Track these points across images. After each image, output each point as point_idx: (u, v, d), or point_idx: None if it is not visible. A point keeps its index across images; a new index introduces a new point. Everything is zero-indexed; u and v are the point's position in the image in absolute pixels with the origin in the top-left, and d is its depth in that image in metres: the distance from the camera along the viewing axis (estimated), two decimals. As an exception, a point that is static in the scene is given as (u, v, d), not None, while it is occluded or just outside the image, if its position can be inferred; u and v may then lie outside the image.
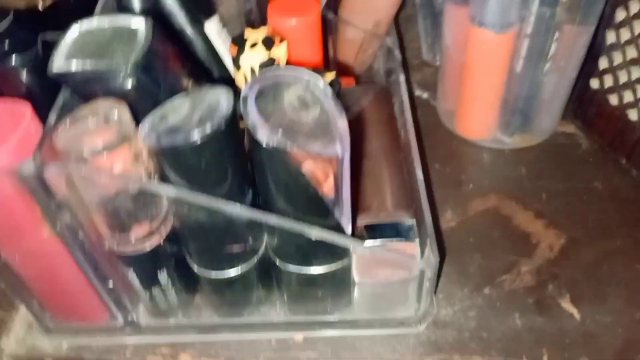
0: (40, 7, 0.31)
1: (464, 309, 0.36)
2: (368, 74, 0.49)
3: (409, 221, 0.34)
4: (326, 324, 0.35)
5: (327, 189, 0.28)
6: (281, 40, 0.33)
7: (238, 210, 0.27)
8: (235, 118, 0.25)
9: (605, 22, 0.39)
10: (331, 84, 0.28)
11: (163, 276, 0.32)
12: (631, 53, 0.38)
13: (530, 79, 0.40)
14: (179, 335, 0.35)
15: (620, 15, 0.38)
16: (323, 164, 0.28)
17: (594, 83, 0.42)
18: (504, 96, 0.41)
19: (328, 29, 0.45)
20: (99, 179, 0.26)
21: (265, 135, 0.24)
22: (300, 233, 0.28)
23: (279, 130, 0.24)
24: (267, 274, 0.33)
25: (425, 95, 0.50)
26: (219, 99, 0.26)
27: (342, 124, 0.25)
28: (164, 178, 0.27)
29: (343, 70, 0.48)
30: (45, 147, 0.26)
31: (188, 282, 0.33)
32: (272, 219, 0.28)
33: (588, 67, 0.42)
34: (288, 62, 0.34)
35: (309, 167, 0.27)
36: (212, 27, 0.38)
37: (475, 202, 0.41)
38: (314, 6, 0.34)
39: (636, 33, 0.37)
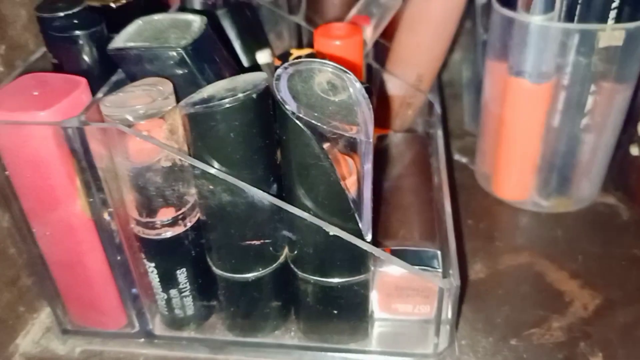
0: (113, 5, 0.34)
1: (488, 357, 0.33)
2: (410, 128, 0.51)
3: (434, 251, 0.33)
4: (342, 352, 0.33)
5: (349, 184, 0.28)
6: (323, 58, 0.35)
7: (260, 195, 0.27)
8: (267, 95, 0.26)
9: (643, 85, 0.40)
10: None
11: (182, 276, 0.32)
12: (671, 116, 0.38)
13: (568, 134, 0.40)
14: (192, 352, 0.34)
15: (658, 78, 0.38)
16: (343, 160, 0.28)
17: (634, 150, 0.42)
18: (542, 153, 0.41)
19: (372, 79, 0.48)
20: (135, 145, 0.27)
21: (292, 108, 0.25)
22: (319, 232, 0.28)
23: (305, 105, 0.25)
24: (284, 286, 0.32)
25: (464, 159, 0.50)
26: (255, 78, 0.27)
27: (367, 111, 0.25)
28: (195, 156, 0.28)
29: (385, 123, 0.49)
30: (91, 110, 0.27)
31: (206, 288, 0.33)
32: (292, 209, 0.27)
33: (628, 133, 0.42)
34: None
35: (333, 154, 0.28)
36: (263, 57, 0.41)
37: (506, 257, 0.40)
38: (356, 32, 0.36)
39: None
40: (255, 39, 0.41)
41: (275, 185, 0.29)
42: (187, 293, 0.32)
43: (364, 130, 0.27)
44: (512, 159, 0.43)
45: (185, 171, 0.28)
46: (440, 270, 0.32)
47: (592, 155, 0.41)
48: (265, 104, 0.27)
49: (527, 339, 0.34)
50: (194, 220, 0.30)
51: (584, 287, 0.37)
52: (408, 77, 0.45)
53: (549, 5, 0.36)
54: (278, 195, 0.29)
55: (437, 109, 0.45)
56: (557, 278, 0.38)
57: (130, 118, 0.27)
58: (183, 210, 0.30)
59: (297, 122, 0.26)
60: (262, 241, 0.29)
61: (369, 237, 0.30)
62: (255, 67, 0.40)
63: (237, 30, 0.41)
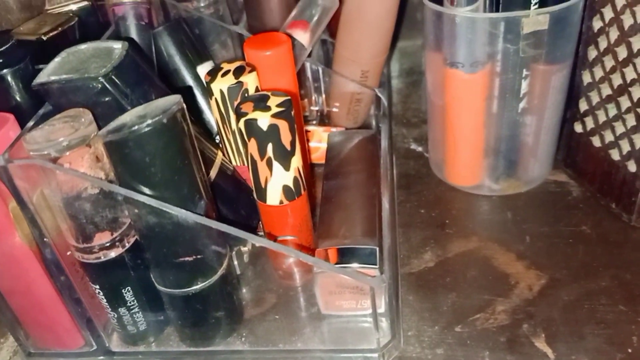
0: (44, 37, 0.35)
1: (433, 346, 0.34)
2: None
3: (372, 247, 0.34)
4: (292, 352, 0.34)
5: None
6: (251, 70, 0.36)
7: (184, 214, 0.28)
8: (180, 117, 0.27)
9: (580, 62, 0.40)
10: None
11: (128, 294, 0.33)
12: (606, 91, 0.38)
13: (507, 119, 0.40)
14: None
15: (592, 53, 0.39)
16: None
17: (578, 127, 0.42)
18: (486, 138, 0.42)
19: (318, 80, 0.48)
20: (61, 177, 0.28)
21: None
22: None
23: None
24: (228, 296, 0.33)
25: (420, 148, 0.51)
26: (168, 102, 0.28)
27: None
28: (120, 181, 0.29)
29: (336, 120, 0.50)
30: (17, 147, 0.28)
31: (154, 303, 0.34)
32: (220, 226, 0.28)
33: (572, 111, 0.42)
34: (258, 89, 0.36)
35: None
36: (203, 70, 0.42)
37: (456, 243, 0.41)
38: (284, 41, 0.37)
39: (608, 69, 0.37)
40: (196, 53, 0.42)
41: (202, 202, 0.30)
42: (136, 310, 0.33)
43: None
44: (459, 146, 0.43)
45: (113, 196, 0.29)
46: (377, 266, 0.33)
47: (536, 136, 0.42)
48: (178, 126, 0.28)
49: (471, 325, 0.35)
50: (132, 240, 0.32)
51: (529, 268, 0.38)
52: (353, 74, 0.46)
53: (473, -3, 0.36)
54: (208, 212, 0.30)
55: (384, 102, 0.45)
56: (504, 261, 0.39)
57: (53, 152, 0.28)
58: (119, 232, 0.31)
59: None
60: (194, 257, 0.30)
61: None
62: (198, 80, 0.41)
63: (176, 47, 0.41)
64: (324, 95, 0.49)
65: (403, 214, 0.44)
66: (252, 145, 0.32)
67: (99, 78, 0.29)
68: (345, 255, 0.34)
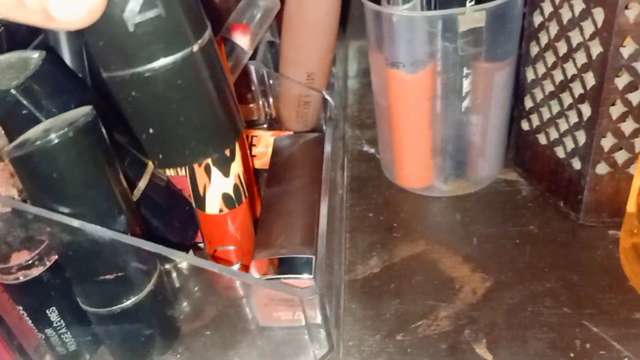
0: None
1: (373, 356, 0.33)
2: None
3: (307, 257, 0.33)
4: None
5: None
6: None
7: (95, 230, 0.27)
8: (91, 128, 0.26)
9: (523, 59, 0.39)
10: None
11: (54, 314, 0.32)
12: (548, 87, 0.38)
13: (451, 119, 0.39)
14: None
15: (534, 49, 0.38)
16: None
17: (525, 124, 0.41)
18: (432, 139, 0.41)
19: (267, 85, 0.47)
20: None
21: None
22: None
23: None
24: (158, 313, 0.32)
25: (372, 150, 0.50)
26: (79, 114, 0.26)
27: None
28: (30, 198, 0.27)
29: (285, 124, 0.49)
30: None
31: (81, 323, 0.33)
32: (136, 241, 0.27)
33: (518, 108, 0.42)
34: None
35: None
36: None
37: (403, 248, 0.40)
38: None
39: (549, 65, 0.37)
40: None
41: (122, 217, 0.29)
42: (63, 330, 0.32)
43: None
44: (406, 147, 0.42)
45: (24, 215, 0.28)
46: (312, 276, 0.32)
47: (483, 136, 0.41)
48: (88, 138, 0.26)
49: (413, 332, 0.34)
50: (53, 259, 0.30)
51: (475, 271, 0.37)
52: (299, 77, 0.45)
53: (408, -6, 0.35)
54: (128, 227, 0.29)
55: (331, 102, 0.44)
56: (451, 264, 0.38)
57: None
58: (38, 251, 0.30)
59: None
60: (115, 274, 0.29)
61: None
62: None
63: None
64: (271, 99, 0.48)
65: (352, 218, 0.43)
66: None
67: (11, 90, 0.28)
68: (281, 266, 0.33)
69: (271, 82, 0.46)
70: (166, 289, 0.34)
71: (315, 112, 0.49)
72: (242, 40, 0.41)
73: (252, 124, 0.50)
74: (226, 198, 0.33)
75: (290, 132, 0.48)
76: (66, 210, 0.27)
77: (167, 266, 0.34)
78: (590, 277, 0.36)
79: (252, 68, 0.45)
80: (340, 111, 0.51)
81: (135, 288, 0.30)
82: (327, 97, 0.45)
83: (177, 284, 0.37)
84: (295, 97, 0.47)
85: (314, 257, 0.33)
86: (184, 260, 0.29)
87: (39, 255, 0.30)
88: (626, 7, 0.30)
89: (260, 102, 0.48)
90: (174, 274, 0.36)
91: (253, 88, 0.47)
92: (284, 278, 0.32)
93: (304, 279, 0.32)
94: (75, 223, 0.27)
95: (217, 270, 0.28)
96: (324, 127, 0.50)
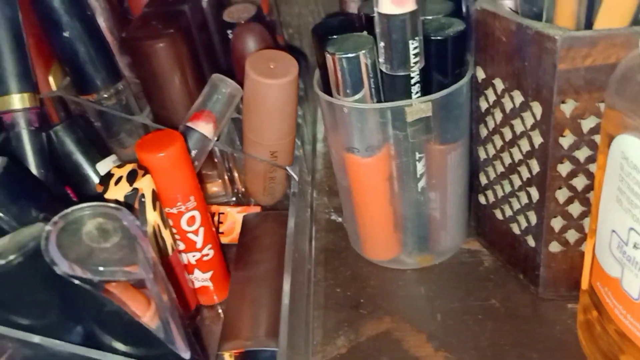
0: None
1: None
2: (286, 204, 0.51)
3: (272, 350, 0.34)
4: None
5: (148, 318, 0.29)
6: (145, 173, 0.36)
7: (51, 344, 0.27)
8: (37, 252, 0.27)
9: (475, 138, 0.40)
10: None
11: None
12: (499, 168, 0.39)
13: (409, 198, 0.40)
14: None
15: (483, 131, 0.39)
16: (136, 294, 0.28)
17: (482, 199, 0.42)
18: (393, 216, 0.42)
19: (232, 162, 0.48)
20: None
21: (64, 268, 0.26)
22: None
23: (77, 262, 0.26)
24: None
25: (340, 219, 0.51)
26: (30, 236, 0.27)
27: (144, 247, 0.26)
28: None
29: (254, 200, 0.50)
30: None
31: None
32: (88, 352, 0.28)
33: (475, 183, 0.43)
34: (156, 191, 0.36)
35: (123, 297, 0.28)
36: (103, 166, 0.41)
37: (369, 325, 0.41)
38: (176, 139, 0.36)
39: (498, 147, 0.38)
40: (95, 149, 0.42)
41: (79, 327, 0.29)
42: None
43: (143, 265, 0.27)
44: (369, 224, 0.43)
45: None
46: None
47: (442, 211, 0.42)
48: (38, 260, 0.27)
49: (376, 420, 0.35)
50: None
51: (439, 350, 0.38)
52: (263, 155, 0.46)
53: (358, 87, 0.37)
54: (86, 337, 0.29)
55: (295, 178, 0.45)
56: (415, 343, 0.39)
57: None
58: (4, 357, 0.30)
59: (72, 279, 0.26)
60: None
61: (187, 355, 0.30)
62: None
63: (73, 144, 0.41)
64: (236, 175, 0.49)
65: (319, 294, 0.44)
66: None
67: None
68: (246, 358, 0.34)
69: (235, 159, 0.47)
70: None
71: (282, 186, 0.50)
72: (206, 128, 0.42)
73: (219, 201, 0.51)
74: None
75: (258, 208, 0.49)
76: (22, 324, 0.28)
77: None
78: (549, 354, 0.36)
79: (215, 149, 0.46)
80: (307, 180, 0.52)
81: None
82: (291, 173, 0.46)
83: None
84: (261, 173, 0.48)
85: (277, 350, 0.34)
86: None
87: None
88: (562, 102, 0.31)
89: (226, 179, 0.49)
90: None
91: (218, 166, 0.48)
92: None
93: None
94: (36, 339, 0.28)
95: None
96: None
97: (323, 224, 0.51)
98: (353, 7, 0.49)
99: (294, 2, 0.61)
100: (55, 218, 0.27)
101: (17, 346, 0.28)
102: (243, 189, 0.50)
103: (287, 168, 0.47)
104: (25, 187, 0.32)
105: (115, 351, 0.29)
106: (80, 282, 0.26)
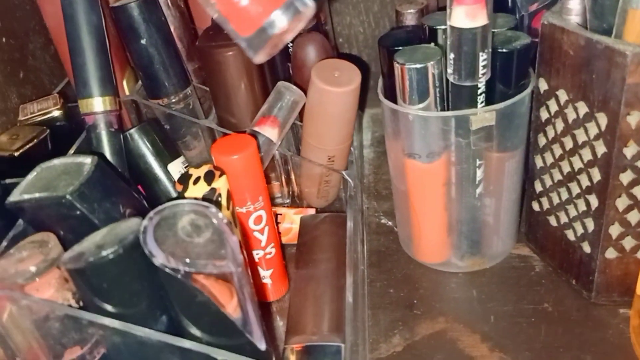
0: (16, 154, 0.37)
1: None
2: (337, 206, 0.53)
3: (337, 345, 0.36)
4: None
5: (231, 309, 0.30)
6: (221, 174, 0.37)
7: (142, 332, 0.29)
8: (135, 247, 0.29)
9: (532, 147, 0.42)
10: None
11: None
12: (557, 176, 0.40)
13: (466, 203, 0.42)
14: None
15: (541, 140, 0.40)
16: (221, 286, 0.30)
17: (535, 205, 0.44)
18: (448, 220, 0.43)
19: (290, 165, 0.50)
20: (30, 304, 0.29)
21: (160, 259, 0.27)
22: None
23: (173, 255, 0.28)
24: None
25: (390, 222, 0.53)
26: (127, 229, 0.29)
27: (232, 240, 0.28)
28: (83, 302, 0.30)
29: (308, 202, 0.52)
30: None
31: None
32: (177, 341, 0.30)
33: (529, 190, 0.44)
34: (230, 192, 0.38)
35: (210, 288, 0.30)
36: (174, 167, 0.44)
37: (424, 325, 0.42)
38: (250, 143, 0.38)
39: (557, 156, 0.39)
40: (167, 151, 0.44)
41: (164, 317, 0.31)
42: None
43: (231, 259, 0.29)
44: (423, 227, 0.45)
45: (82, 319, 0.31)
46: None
47: (496, 216, 0.43)
48: (136, 252, 0.29)
49: (437, 415, 0.36)
50: (102, 351, 0.33)
51: (493, 350, 0.39)
52: (320, 159, 0.48)
53: (424, 96, 0.38)
54: (169, 326, 0.31)
55: (351, 184, 0.47)
56: (470, 343, 0.40)
57: (21, 281, 0.29)
58: (89, 345, 0.32)
59: (167, 270, 0.28)
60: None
61: (263, 346, 0.32)
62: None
63: (147, 147, 0.43)
64: (293, 178, 0.51)
65: (373, 295, 0.45)
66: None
67: (67, 196, 0.31)
68: (311, 353, 0.36)
69: (293, 162, 0.49)
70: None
71: (335, 189, 0.52)
72: (271, 132, 0.44)
73: (275, 202, 0.52)
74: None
75: (312, 210, 0.50)
76: (115, 312, 0.30)
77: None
78: (603, 357, 0.38)
79: (276, 152, 0.48)
80: (357, 185, 0.54)
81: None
82: (347, 177, 0.48)
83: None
84: (317, 176, 0.50)
85: (342, 345, 0.35)
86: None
87: (90, 350, 0.32)
88: (628, 114, 0.33)
89: (284, 181, 0.51)
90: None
91: (277, 168, 0.50)
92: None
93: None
94: (123, 326, 0.30)
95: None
96: (344, 201, 0.53)
97: (373, 227, 0.52)
98: (410, 19, 0.51)
99: (346, 13, 0.63)
100: (151, 214, 0.29)
101: (107, 332, 0.30)
102: (297, 191, 0.52)
103: (343, 172, 0.48)
104: (113, 184, 0.34)
105: (199, 340, 0.31)
106: (173, 273, 0.28)
